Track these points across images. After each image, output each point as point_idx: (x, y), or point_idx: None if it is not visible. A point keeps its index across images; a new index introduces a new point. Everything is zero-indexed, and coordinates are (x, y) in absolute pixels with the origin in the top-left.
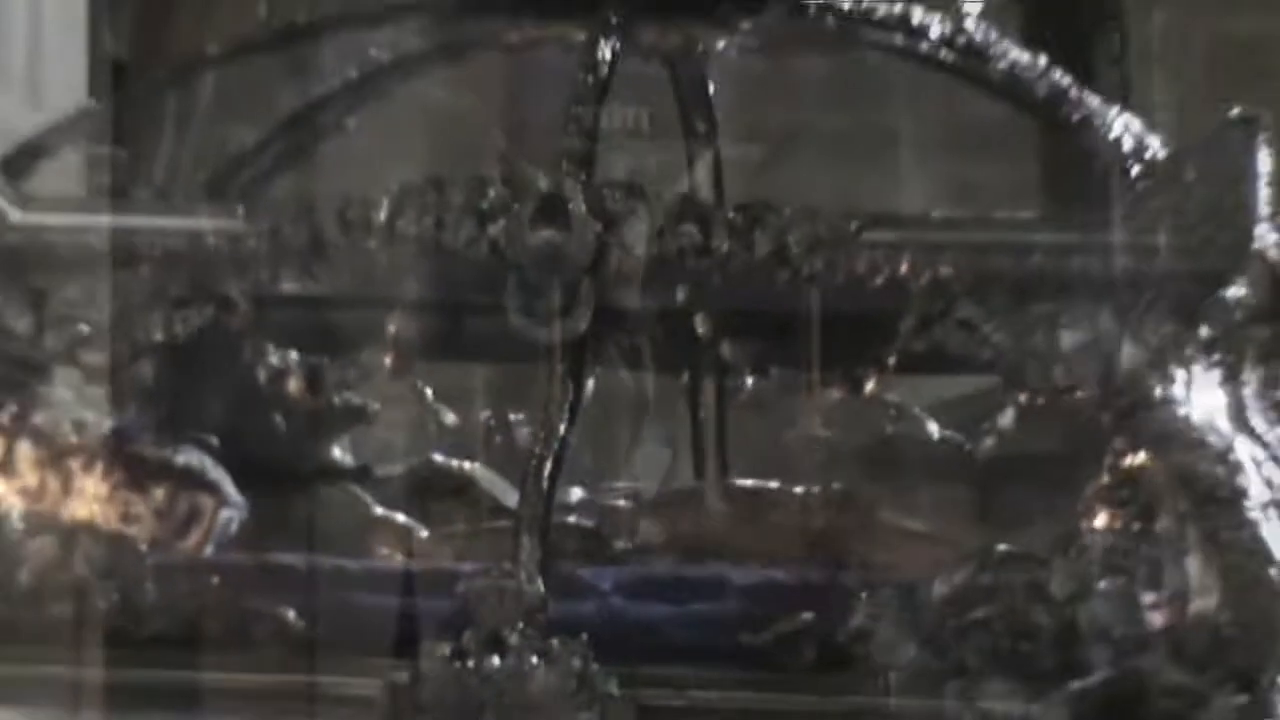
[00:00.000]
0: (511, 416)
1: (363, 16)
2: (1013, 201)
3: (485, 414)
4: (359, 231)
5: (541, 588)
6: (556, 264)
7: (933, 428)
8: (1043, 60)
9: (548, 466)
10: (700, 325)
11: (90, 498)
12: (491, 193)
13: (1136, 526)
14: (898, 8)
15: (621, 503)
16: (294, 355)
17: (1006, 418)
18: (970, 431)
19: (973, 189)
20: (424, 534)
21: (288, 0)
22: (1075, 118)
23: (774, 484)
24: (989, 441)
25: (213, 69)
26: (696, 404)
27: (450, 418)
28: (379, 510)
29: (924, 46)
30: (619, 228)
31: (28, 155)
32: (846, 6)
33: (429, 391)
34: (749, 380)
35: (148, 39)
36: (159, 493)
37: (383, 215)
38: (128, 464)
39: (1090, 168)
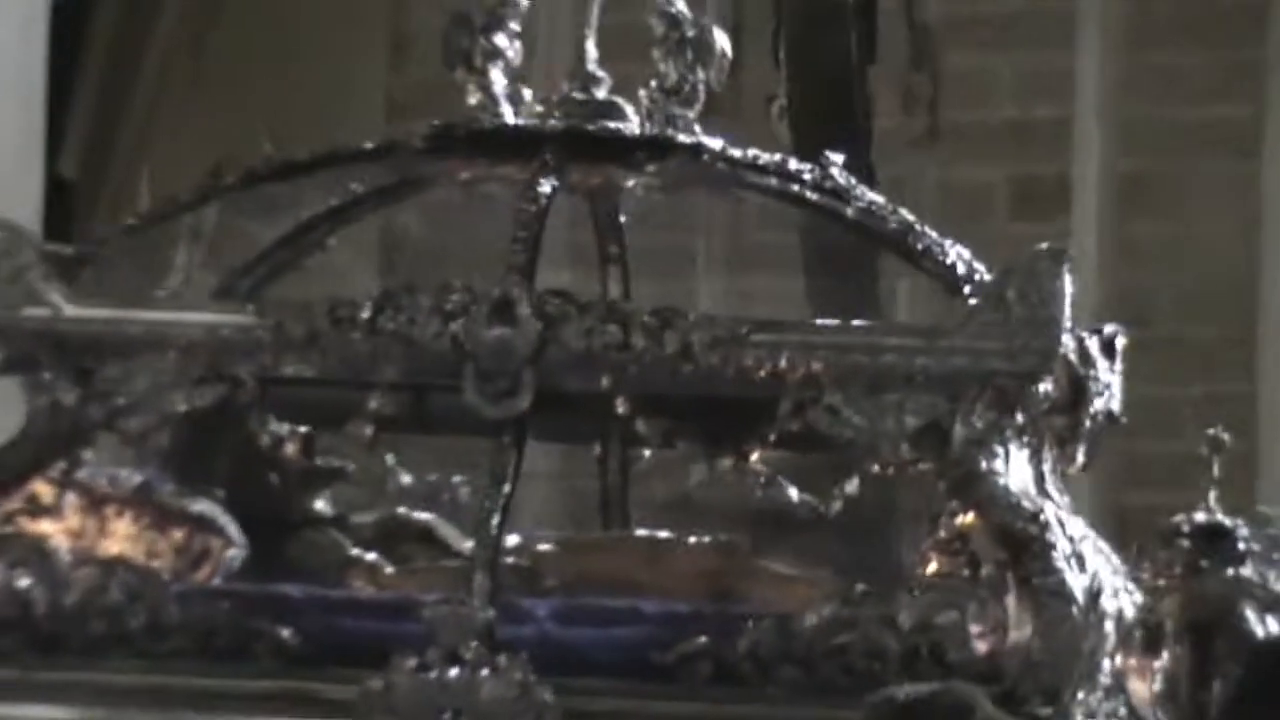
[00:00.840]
0: (455, 479)
1: (345, 155)
2: (781, 307)
3: (433, 477)
4: (346, 326)
5: (491, 614)
6: (505, 355)
7: (793, 491)
8: (890, 203)
9: (496, 517)
10: (620, 406)
11: (123, 537)
12: (454, 297)
13: (966, 572)
14: (777, 156)
15: (550, 547)
16: (289, 425)
17: (853, 484)
18: (822, 494)
19: (748, 297)
20: (390, 570)
21: (288, 141)
22: (919, 247)
23: (667, 534)
24: (837, 504)
25: (226, 195)
26: (607, 469)
27: (406, 479)
28: (354, 551)
29: (796, 188)
30: (556, 327)
31: (75, 262)
32: (736, 154)
33: (390, 457)
34: (650, 451)
35: (93, 161)
36: (178, 534)
37: (366, 313)
38: (153, 511)
39: (849, 280)
